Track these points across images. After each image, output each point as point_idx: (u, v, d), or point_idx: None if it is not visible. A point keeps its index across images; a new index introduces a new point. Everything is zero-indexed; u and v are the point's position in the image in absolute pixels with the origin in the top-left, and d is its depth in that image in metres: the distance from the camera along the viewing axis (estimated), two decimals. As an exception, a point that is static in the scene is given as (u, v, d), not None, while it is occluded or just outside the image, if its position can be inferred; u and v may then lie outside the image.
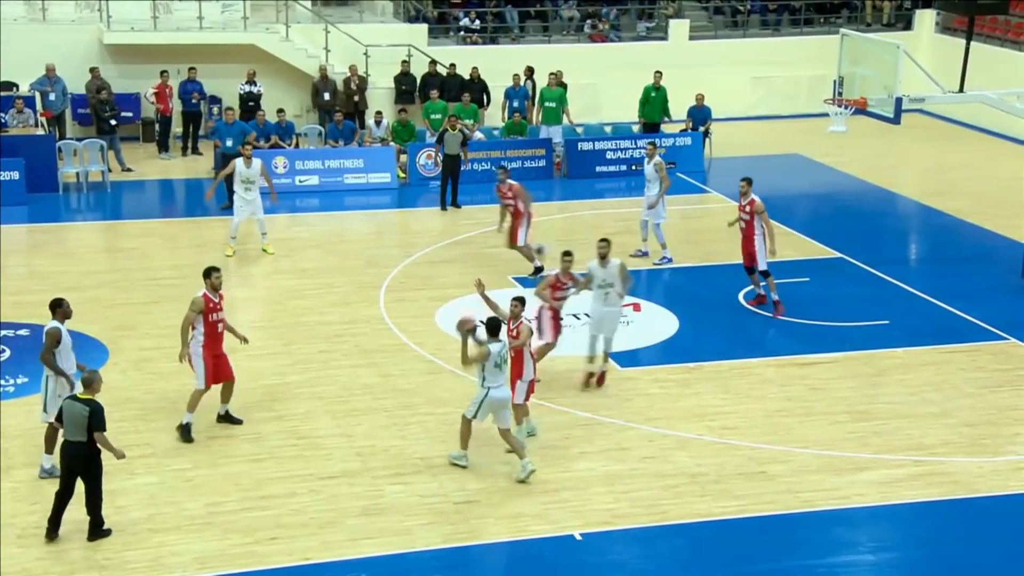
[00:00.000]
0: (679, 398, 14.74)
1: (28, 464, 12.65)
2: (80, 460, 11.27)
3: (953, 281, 18.79)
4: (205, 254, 19.36)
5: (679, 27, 29.06)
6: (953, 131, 28.57)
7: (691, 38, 29.13)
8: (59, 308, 12.54)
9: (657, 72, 25.13)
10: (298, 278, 18.56)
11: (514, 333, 13.22)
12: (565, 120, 25.03)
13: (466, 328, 12.61)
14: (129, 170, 23.67)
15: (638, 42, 29.11)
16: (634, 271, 16.97)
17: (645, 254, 19.44)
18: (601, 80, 27.79)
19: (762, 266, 17.15)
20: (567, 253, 15.12)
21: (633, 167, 24.65)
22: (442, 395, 14.63)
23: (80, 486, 11.44)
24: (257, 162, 19.17)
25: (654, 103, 25.21)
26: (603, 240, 15.02)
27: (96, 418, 11.21)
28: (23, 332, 15.98)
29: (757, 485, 12.75)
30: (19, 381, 14.61)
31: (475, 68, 25.65)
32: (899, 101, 17.98)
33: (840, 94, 18.91)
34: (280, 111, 23.96)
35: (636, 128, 25.71)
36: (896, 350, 16.13)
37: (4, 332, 15.97)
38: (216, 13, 26.17)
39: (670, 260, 19.27)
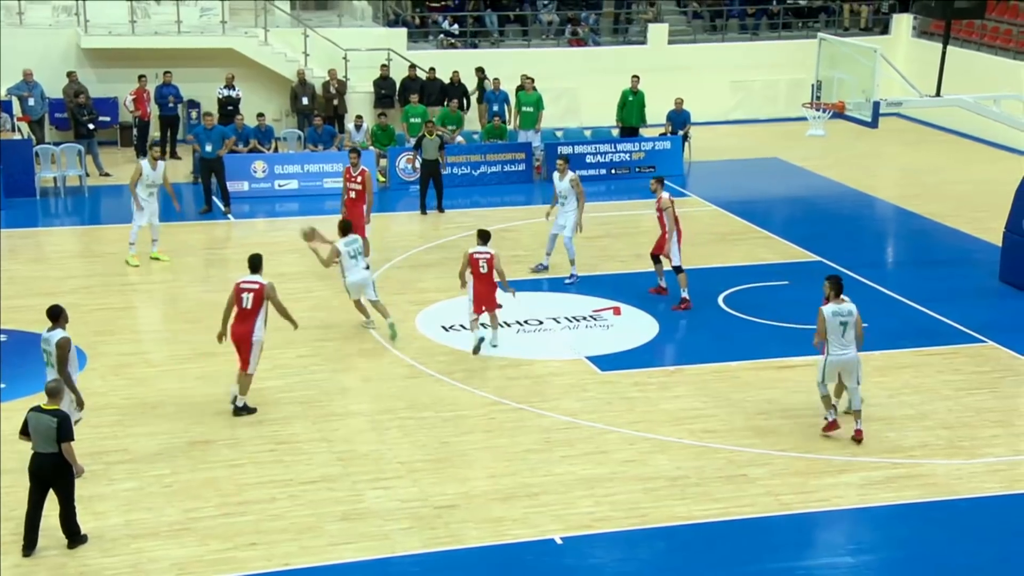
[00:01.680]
0: (659, 401, 14.77)
1: (7, 470, 12.54)
2: (52, 471, 11.16)
3: (930, 284, 18.89)
4: (183, 258, 19.30)
5: (658, 31, 29.13)
6: (930, 134, 28.74)
7: (670, 42, 29.21)
8: (62, 315, 12.44)
9: (635, 76, 25.18)
10: (277, 282, 18.41)
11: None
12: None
13: (310, 236, 15.37)
14: (107, 175, 23.58)
15: (617, 46, 29.17)
16: (613, 276, 16.88)
17: (545, 268, 19.04)
18: (580, 84, 27.84)
19: (675, 262, 17.46)
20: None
21: (612, 171, 24.71)
22: (423, 399, 14.62)
23: (51, 498, 11.30)
24: (162, 165, 19.17)
25: (632, 107, 25.25)
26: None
27: (64, 428, 11.10)
28: (1, 337, 15.88)
29: (737, 488, 12.78)
30: (-3, 387, 14.52)
31: (456, 72, 25.64)
32: (876, 105, 18.08)
33: (818, 98, 19.00)
34: (260, 115, 23.90)
35: (615, 132, 25.75)
36: (873, 352, 16.19)
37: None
38: (194, 17, 26.08)
39: (576, 279, 18.57)
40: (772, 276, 19.06)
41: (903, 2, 30.83)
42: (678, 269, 17.53)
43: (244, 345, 13.99)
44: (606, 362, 15.85)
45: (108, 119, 25.01)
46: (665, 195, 17.61)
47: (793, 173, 25.59)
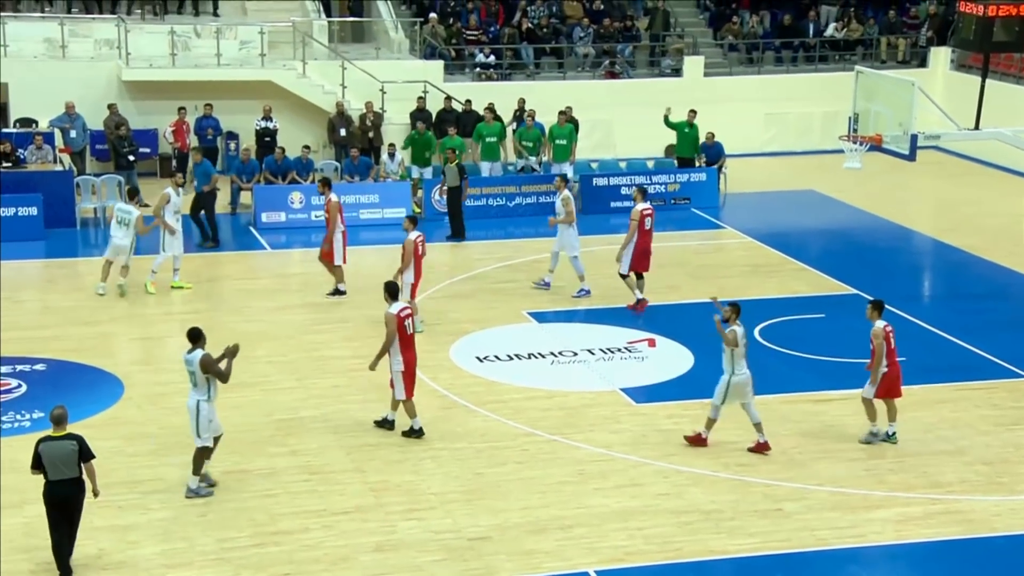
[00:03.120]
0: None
1: (40, 499, 12.63)
2: (73, 497, 11.25)
3: (968, 318, 18.72)
4: (217, 288, 19.43)
5: (693, 64, 29.17)
6: (967, 167, 28.55)
7: (706, 75, 29.23)
8: (201, 337, 12.97)
9: (691, 111, 25.03)
10: (312, 312, 18.60)
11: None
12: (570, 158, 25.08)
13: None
14: (146, 205, 23.70)
15: (652, 78, 29.23)
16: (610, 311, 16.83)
17: (547, 284, 19.47)
18: (615, 116, 27.90)
19: (622, 270, 18.42)
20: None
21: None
22: (456, 430, 14.61)
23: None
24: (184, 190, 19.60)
25: (688, 139, 25.22)
26: (731, 304, 14.52)
27: (85, 448, 11.29)
28: (39, 367, 16.03)
29: (772, 522, 12.67)
30: (35, 416, 14.64)
31: (468, 101, 25.81)
32: (914, 138, 17.99)
33: (855, 130, 18.94)
34: (305, 147, 24.15)
35: (650, 164, 25.77)
36: (911, 387, 16.03)
37: (20, 367, 16.03)
38: (234, 50, 26.39)
39: (587, 292, 19.32)
40: (808, 309, 18.96)
41: (941, 35, 30.72)
42: (624, 276, 18.51)
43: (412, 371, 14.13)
44: (640, 394, 15.79)
45: (148, 150, 25.31)
46: (640, 206, 18.63)
47: (829, 205, 25.48)
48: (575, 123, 25.38)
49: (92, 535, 12.01)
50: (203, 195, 21.53)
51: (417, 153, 24.55)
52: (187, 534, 12.16)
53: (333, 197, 18.86)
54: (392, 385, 14.20)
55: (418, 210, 23.69)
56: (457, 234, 22.34)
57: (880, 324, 14.34)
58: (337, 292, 19.04)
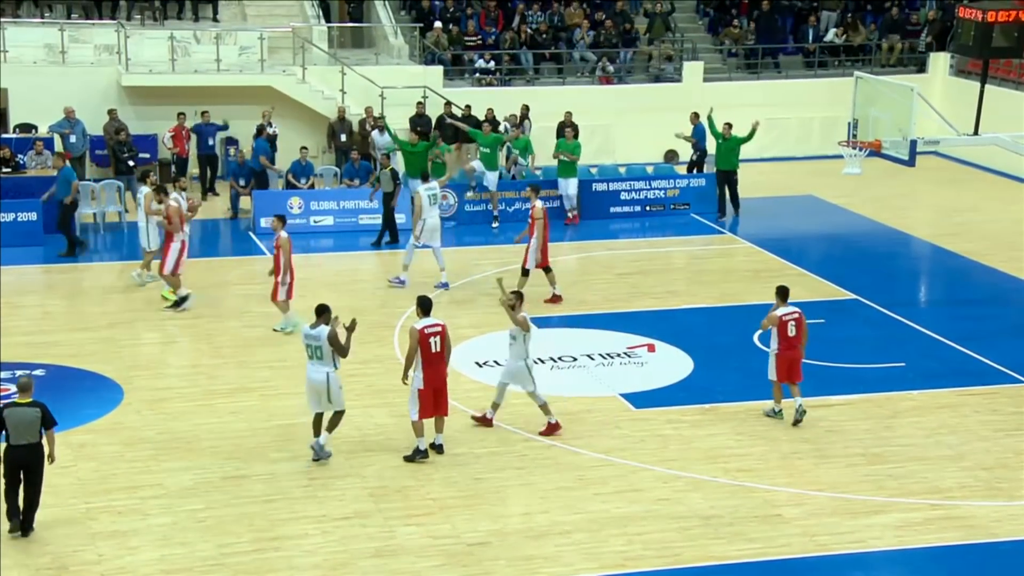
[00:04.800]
0: (693, 439, 14.68)
1: (43, 504, 12.61)
2: (30, 461, 11.84)
3: (968, 323, 18.71)
4: (218, 293, 19.43)
5: (693, 69, 29.18)
6: (967, 173, 28.56)
7: (705, 80, 29.25)
8: (327, 312, 13.70)
9: (727, 124, 24.18)
10: (309, 318, 18.54)
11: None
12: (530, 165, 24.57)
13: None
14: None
15: (652, 84, 29.24)
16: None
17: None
18: (615, 121, 27.91)
19: (529, 265, 18.80)
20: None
21: (647, 208, 24.69)
22: (454, 435, 14.60)
23: None
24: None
25: (727, 152, 24.20)
26: (514, 292, 14.68)
27: (47, 416, 11.89)
28: (39, 372, 16.02)
29: (772, 528, 12.66)
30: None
31: (490, 109, 25.77)
32: (914, 143, 17.99)
33: (855, 136, 18.95)
34: (303, 148, 24.13)
35: (649, 169, 25.76)
36: (911, 392, 16.05)
37: (19, 373, 15.99)
38: (234, 56, 26.39)
39: (447, 286, 19.70)
40: (807, 314, 18.87)
41: (940, 41, 30.74)
42: (527, 272, 18.85)
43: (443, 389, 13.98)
44: (640, 399, 15.78)
45: (147, 156, 25.26)
46: (539, 204, 18.98)
47: (828, 211, 25.49)
48: (576, 130, 25.27)
49: (91, 541, 12.01)
50: (64, 206, 20.91)
51: (411, 166, 23.09)
52: (186, 539, 12.15)
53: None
54: (409, 405, 13.91)
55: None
56: (394, 239, 21.99)
57: (782, 311, 14.98)
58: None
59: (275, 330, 17.71)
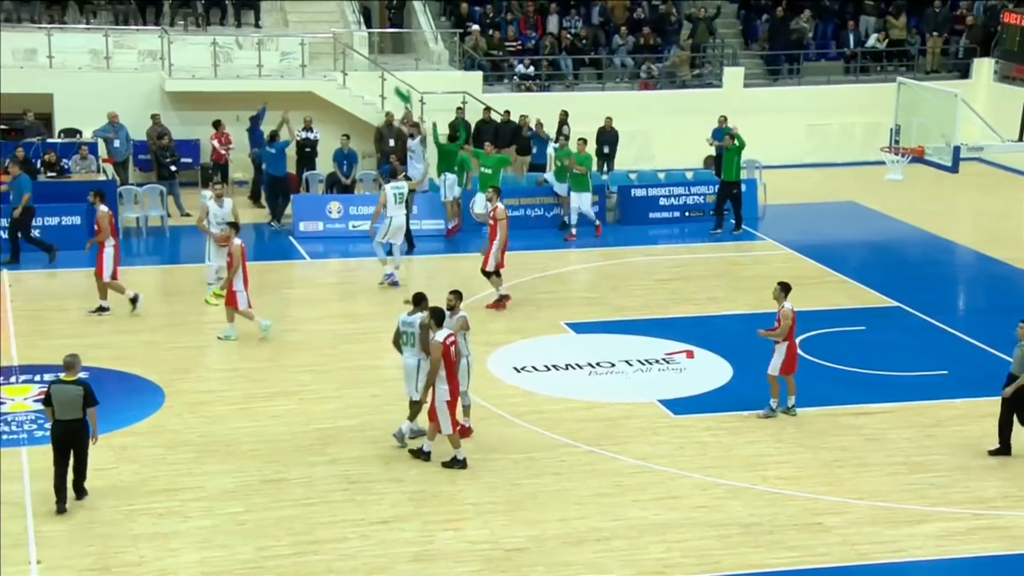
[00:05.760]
0: (732, 447, 14.61)
1: (86, 506, 12.79)
2: (75, 435, 12.54)
3: (1011, 331, 18.34)
4: (262, 297, 19.54)
5: (733, 74, 29.07)
6: (1011, 179, 28.24)
7: (746, 85, 29.13)
8: (424, 300, 14.09)
9: (728, 134, 23.60)
10: (350, 323, 18.68)
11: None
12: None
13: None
14: (188, 215, 23.98)
15: (692, 89, 29.16)
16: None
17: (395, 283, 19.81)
18: (654, 126, 27.83)
19: (490, 267, 18.71)
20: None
21: (686, 213, 24.61)
22: (492, 441, 14.61)
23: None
24: (229, 201, 19.32)
25: (728, 162, 23.52)
26: (452, 292, 14.54)
27: (90, 394, 12.57)
28: (82, 375, 16.14)
29: (812, 536, 12.57)
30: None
31: (523, 116, 25.80)
32: (957, 150, 17.84)
33: (897, 142, 18.81)
34: (344, 136, 24.14)
35: (688, 175, 25.69)
36: (954, 401, 15.89)
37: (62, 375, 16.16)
38: (275, 61, 26.59)
39: (392, 277, 20.00)
40: (848, 321, 18.80)
41: (984, 46, 30.45)
42: (494, 273, 18.73)
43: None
44: (678, 406, 15.73)
45: (189, 160, 25.50)
46: (500, 206, 18.83)
47: (870, 217, 25.30)
48: (612, 136, 24.97)
49: (133, 542, 12.13)
50: (19, 214, 20.77)
51: (443, 162, 23.40)
52: (226, 542, 12.23)
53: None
54: (433, 417, 13.89)
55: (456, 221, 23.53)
56: (410, 246, 21.71)
57: (789, 305, 15.13)
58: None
59: (219, 338, 17.70)
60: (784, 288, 15.27)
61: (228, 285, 17.55)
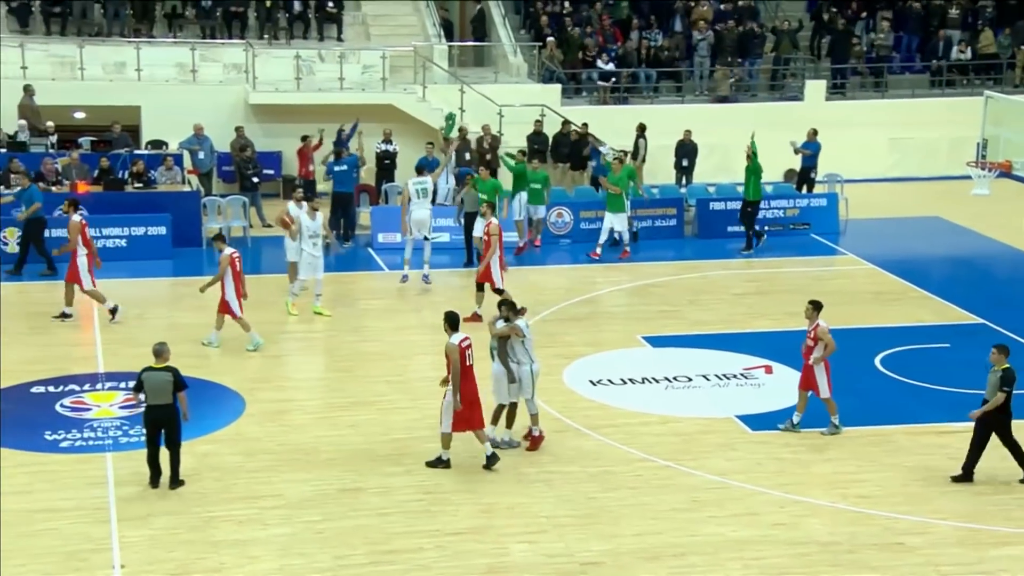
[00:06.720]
0: (811, 464, 14.42)
1: (168, 512, 13.00)
2: (166, 419, 13.20)
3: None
4: (338, 308, 19.74)
5: (815, 87, 28.77)
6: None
7: (828, 98, 28.81)
8: (506, 303, 14.51)
9: (750, 151, 22.66)
10: (426, 334, 18.72)
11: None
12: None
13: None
14: (269, 226, 24.30)
15: (773, 102, 28.92)
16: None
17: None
18: (733, 140, 27.60)
19: (499, 284, 18.65)
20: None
21: (766, 228, 24.38)
22: (568, 453, 14.58)
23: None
24: (320, 215, 19.39)
25: (752, 179, 22.63)
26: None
27: (179, 380, 13.25)
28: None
29: (894, 556, 12.35)
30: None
31: (585, 124, 25.79)
32: (1046, 164, 17.49)
33: (984, 156, 18.48)
34: (429, 144, 24.21)
35: (768, 188, 25.46)
36: (1041, 421, 15.52)
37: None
38: (356, 74, 26.89)
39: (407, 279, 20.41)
40: (932, 338, 18.47)
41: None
42: (500, 291, 18.40)
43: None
44: (756, 421, 15.57)
45: (271, 172, 25.85)
46: (494, 221, 18.83)
47: (955, 232, 24.84)
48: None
49: (214, 548, 12.30)
50: (28, 223, 20.74)
51: (516, 181, 22.98)
52: (305, 550, 12.35)
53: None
54: (441, 416, 14.04)
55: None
56: (469, 260, 21.73)
57: (824, 324, 14.90)
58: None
59: (204, 343, 17.84)
60: (816, 307, 15.09)
61: (221, 294, 17.67)
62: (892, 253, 23.19)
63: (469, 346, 14.05)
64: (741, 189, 25.16)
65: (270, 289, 20.74)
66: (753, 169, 22.59)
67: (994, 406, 13.70)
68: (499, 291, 18.55)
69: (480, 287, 18.93)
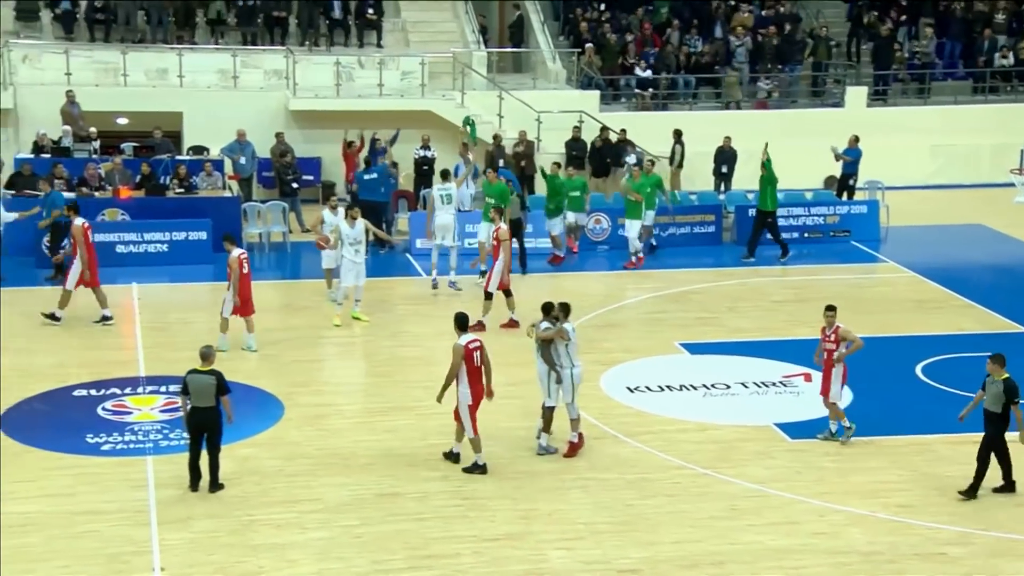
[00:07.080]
0: (851, 472, 14.31)
1: (208, 515, 13.09)
2: (209, 422, 13.30)
3: None
4: (376, 313, 19.81)
5: (856, 94, 28.58)
6: None
7: (869, 105, 28.61)
8: (552, 309, 14.52)
9: (763, 160, 22.64)
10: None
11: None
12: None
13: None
14: (308, 231, 24.42)
15: (813, 108, 28.76)
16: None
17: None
18: (774, 146, 27.44)
19: (491, 288, 18.63)
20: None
21: (805, 235, 24.25)
22: (605, 460, 14.55)
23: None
24: (361, 222, 19.24)
25: (767, 189, 22.42)
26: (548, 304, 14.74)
27: (222, 383, 13.35)
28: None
29: (935, 566, 12.24)
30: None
31: (623, 130, 25.69)
32: (1090, 171, 17.27)
33: (1027, 163, 18.29)
34: (464, 144, 24.25)
35: (808, 195, 25.32)
36: (1086, 432, 15.31)
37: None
38: (395, 80, 26.99)
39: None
40: (974, 346, 18.24)
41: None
42: (489, 295, 18.60)
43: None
44: (795, 430, 15.47)
45: (311, 178, 25.99)
46: (503, 226, 18.88)
47: (998, 240, 24.59)
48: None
49: (253, 552, 12.37)
50: (53, 227, 20.82)
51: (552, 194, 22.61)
52: (343, 555, 12.40)
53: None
54: (457, 417, 14.13)
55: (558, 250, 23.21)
56: (522, 265, 21.73)
57: (843, 326, 14.96)
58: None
59: (242, 349, 17.94)
60: (834, 309, 15.14)
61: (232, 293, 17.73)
62: (934, 261, 22.98)
63: (477, 348, 14.06)
64: (782, 196, 25.04)
65: (308, 294, 20.90)
66: (768, 179, 22.47)
67: (1020, 420, 13.54)
68: (488, 295, 18.82)
69: (488, 296, 18.93)
